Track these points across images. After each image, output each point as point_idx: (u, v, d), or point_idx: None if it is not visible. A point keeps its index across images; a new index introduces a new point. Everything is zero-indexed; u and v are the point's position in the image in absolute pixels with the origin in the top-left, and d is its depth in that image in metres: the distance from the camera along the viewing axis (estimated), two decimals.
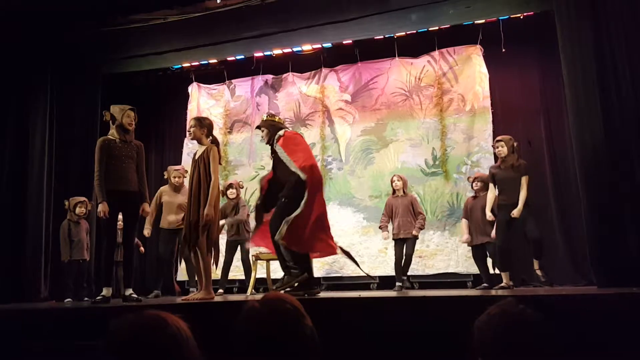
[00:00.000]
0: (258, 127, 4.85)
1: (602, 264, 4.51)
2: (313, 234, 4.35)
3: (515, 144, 5.25)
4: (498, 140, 5.34)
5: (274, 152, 4.60)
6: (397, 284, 5.79)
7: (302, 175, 4.26)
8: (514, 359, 1.32)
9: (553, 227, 6.31)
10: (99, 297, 4.49)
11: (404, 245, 5.89)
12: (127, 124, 4.68)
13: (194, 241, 4.40)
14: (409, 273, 5.97)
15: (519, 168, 5.15)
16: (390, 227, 6.02)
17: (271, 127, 4.66)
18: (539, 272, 5.14)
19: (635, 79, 4.56)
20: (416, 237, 5.92)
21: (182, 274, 6.89)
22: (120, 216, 4.79)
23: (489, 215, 5.33)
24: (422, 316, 3.14)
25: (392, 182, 6.11)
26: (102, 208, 4.43)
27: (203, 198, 4.37)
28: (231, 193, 6.29)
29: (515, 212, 5.04)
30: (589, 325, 2.82)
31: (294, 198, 4.28)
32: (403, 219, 5.87)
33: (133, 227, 4.78)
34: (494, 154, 6.56)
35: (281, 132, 4.58)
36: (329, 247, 4.50)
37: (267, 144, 4.71)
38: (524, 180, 5.11)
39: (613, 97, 4.66)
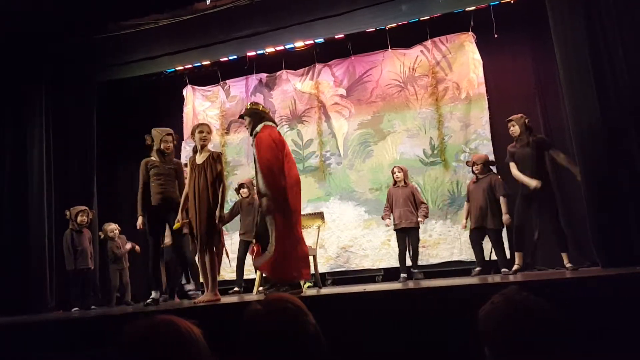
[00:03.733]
0: (241, 117, 4.87)
1: (605, 244, 4.52)
2: (295, 262, 4.40)
3: (527, 121, 5.24)
4: (509, 120, 5.32)
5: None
6: (402, 275, 5.81)
7: (262, 186, 4.38)
8: (520, 347, 1.33)
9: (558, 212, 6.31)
10: (149, 300, 4.88)
11: (407, 237, 5.91)
12: (165, 148, 5.04)
13: (206, 244, 4.51)
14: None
15: (536, 144, 5.14)
16: (391, 217, 6.05)
17: (254, 116, 4.65)
18: (569, 265, 4.95)
19: (629, 58, 4.56)
20: (418, 228, 5.94)
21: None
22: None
23: (536, 184, 5.00)
24: (427, 307, 3.15)
25: (392, 173, 6.15)
26: (140, 221, 5.01)
27: (213, 202, 4.53)
28: (244, 192, 6.34)
29: (532, 183, 5.02)
30: (595, 306, 2.82)
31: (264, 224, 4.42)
32: (404, 209, 5.90)
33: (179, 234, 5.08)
34: (492, 140, 6.63)
35: (258, 129, 4.53)
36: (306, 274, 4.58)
37: (250, 134, 4.72)
38: (554, 154, 5.19)
39: (607, 78, 4.66)
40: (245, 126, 4.80)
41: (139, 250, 6.62)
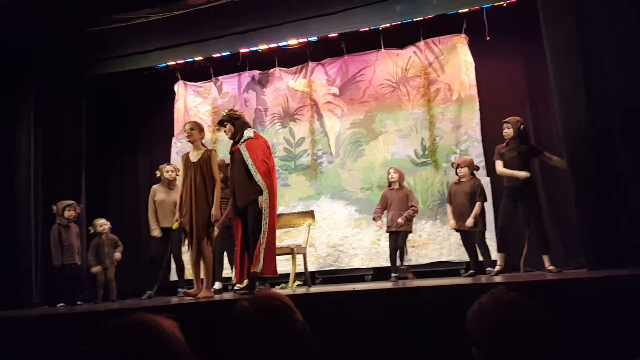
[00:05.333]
0: (220, 123, 4.92)
1: (592, 247, 4.56)
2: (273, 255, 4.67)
3: (522, 127, 5.19)
4: (505, 122, 5.28)
5: (235, 152, 4.68)
6: (393, 274, 5.81)
7: (263, 187, 4.53)
8: (508, 347, 1.33)
9: (542, 212, 6.33)
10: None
11: (398, 239, 5.87)
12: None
13: (200, 240, 4.55)
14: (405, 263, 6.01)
15: (525, 151, 5.12)
16: (384, 219, 6.00)
17: (235, 121, 4.80)
18: (551, 268, 4.90)
19: (620, 64, 4.59)
20: (408, 231, 5.88)
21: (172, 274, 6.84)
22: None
23: (525, 174, 4.99)
24: (416, 307, 3.16)
25: (388, 174, 6.07)
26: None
27: (209, 199, 4.60)
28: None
29: (521, 174, 5.01)
30: (581, 308, 2.85)
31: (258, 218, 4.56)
32: (397, 212, 5.82)
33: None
34: (482, 142, 6.66)
35: (251, 134, 4.75)
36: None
37: (230, 139, 4.85)
38: (545, 158, 5.21)
39: (597, 81, 4.69)
40: (225, 132, 4.86)
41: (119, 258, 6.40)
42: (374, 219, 6.07)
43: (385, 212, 6.00)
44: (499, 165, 5.24)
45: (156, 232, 6.02)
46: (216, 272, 5.90)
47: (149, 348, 1.04)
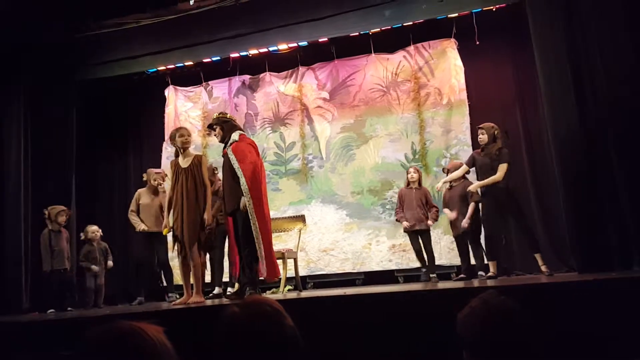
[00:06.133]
0: (210, 126, 4.93)
1: (582, 250, 4.59)
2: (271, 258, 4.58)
3: (496, 132, 5.23)
4: (480, 128, 5.35)
5: (224, 155, 4.68)
6: (423, 270, 5.79)
7: (245, 189, 4.46)
8: (498, 351, 1.34)
9: (532, 216, 6.39)
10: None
11: (419, 238, 5.80)
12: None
13: (190, 246, 4.52)
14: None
15: (499, 156, 5.13)
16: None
17: (224, 125, 4.78)
18: (544, 269, 4.94)
19: (608, 68, 4.64)
20: (429, 230, 5.82)
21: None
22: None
23: (438, 186, 5.74)
24: (407, 311, 3.16)
25: (407, 173, 6.01)
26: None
27: (201, 204, 4.59)
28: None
29: (471, 187, 5.20)
30: (572, 311, 2.86)
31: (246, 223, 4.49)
32: (416, 211, 5.76)
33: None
34: (472, 146, 6.69)
35: (236, 137, 4.70)
36: (275, 271, 4.64)
37: (220, 142, 4.84)
38: (501, 166, 5.09)
39: (586, 84, 4.75)
40: (215, 135, 4.85)
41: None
42: (397, 219, 5.98)
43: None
44: (460, 171, 5.57)
45: (143, 226, 5.96)
46: (216, 277, 5.88)
47: (132, 356, 1.03)
